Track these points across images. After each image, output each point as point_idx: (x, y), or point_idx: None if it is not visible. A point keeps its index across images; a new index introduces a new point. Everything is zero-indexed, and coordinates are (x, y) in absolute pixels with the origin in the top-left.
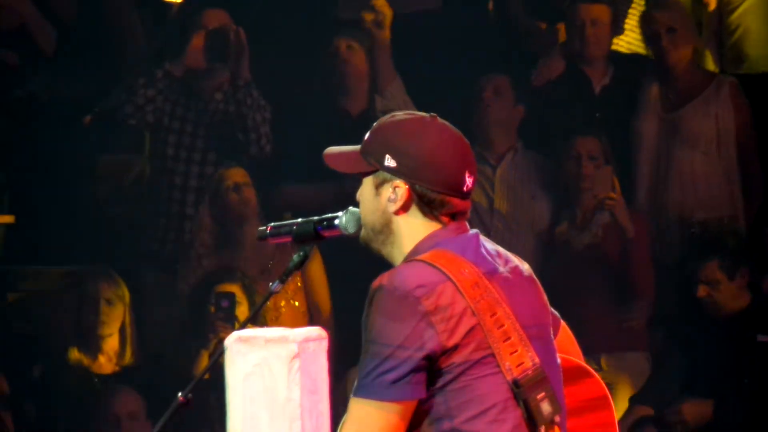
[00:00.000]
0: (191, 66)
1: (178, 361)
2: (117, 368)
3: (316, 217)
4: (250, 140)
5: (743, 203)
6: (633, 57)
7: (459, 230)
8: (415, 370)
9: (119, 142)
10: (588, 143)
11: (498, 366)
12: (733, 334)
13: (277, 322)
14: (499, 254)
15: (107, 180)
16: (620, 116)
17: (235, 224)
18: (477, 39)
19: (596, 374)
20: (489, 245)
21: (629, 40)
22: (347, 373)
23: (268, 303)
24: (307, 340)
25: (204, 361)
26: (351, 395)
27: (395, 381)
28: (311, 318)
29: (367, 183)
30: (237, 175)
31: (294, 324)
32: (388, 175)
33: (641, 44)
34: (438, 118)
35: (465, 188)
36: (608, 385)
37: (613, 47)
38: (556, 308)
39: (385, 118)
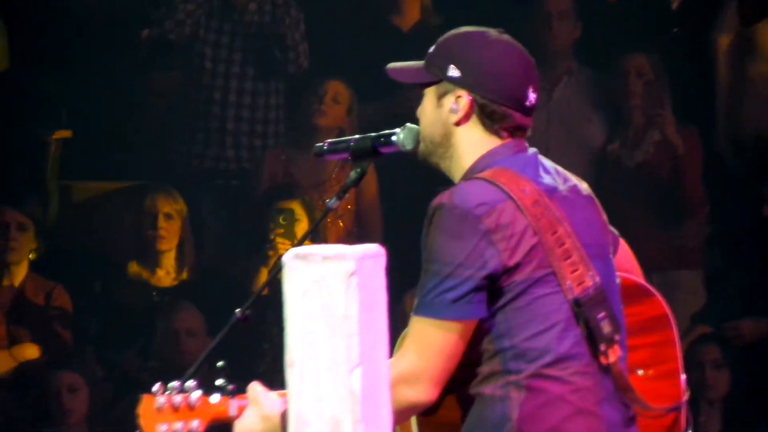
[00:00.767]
0: None
1: (236, 277)
2: (175, 282)
3: (373, 134)
4: (289, 58)
5: None
6: None
7: (518, 148)
8: (476, 290)
9: (170, 59)
10: (636, 60)
11: (559, 285)
12: None
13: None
14: (558, 173)
15: (162, 96)
16: (697, 31)
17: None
18: None
19: (657, 292)
20: (548, 164)
21: None
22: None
23: (326, 219)
24: (364, 257)
25: (262, 278)
26: (411, 313)
27: (456, 300)
28: (360, 240)
29: (429, 94)
30: None
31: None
32: (450, 86)
33: None
34: (505, 33)
35: (528, 103)
36: None
37: None
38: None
39: (451, 31)
